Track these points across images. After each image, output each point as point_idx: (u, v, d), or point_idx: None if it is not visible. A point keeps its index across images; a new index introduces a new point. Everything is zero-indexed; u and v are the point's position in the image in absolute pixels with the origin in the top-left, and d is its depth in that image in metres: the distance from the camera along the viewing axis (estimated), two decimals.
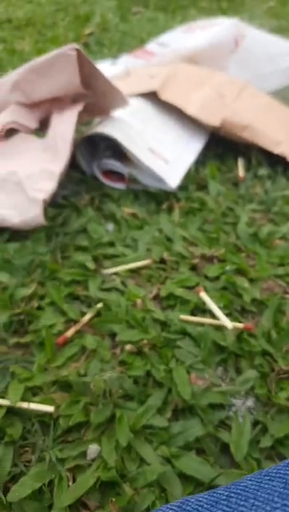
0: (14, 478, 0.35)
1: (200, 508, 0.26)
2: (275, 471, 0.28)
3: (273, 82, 0.90)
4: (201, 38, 0.91)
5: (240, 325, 0.41)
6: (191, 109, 0.72)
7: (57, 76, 0.60)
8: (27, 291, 0.48)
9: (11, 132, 0.63)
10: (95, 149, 0.69)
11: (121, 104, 0.67)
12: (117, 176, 0.67)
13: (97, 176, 0.67)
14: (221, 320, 0.42)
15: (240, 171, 0.71)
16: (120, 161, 0.66)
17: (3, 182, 0.58)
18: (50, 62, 0.60)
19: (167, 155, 0.67)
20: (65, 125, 0.60)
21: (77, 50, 0.57)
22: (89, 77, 0.62)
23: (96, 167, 0.68)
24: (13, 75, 0.64)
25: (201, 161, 0.74)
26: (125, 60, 0.95)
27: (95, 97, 0.67)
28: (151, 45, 0.98)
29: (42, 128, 0.66)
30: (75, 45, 0.57)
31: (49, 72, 0.61)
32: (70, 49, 0.57)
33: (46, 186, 0.56)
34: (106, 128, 0.64)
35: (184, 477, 0.34)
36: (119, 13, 1.49)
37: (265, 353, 0.44)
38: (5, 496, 0.33)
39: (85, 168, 0.68)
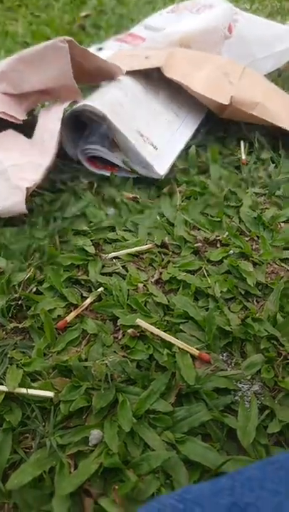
0: (14, 466, 0.34)
1: (202, 498, 0.25)
2: (282, 458, 0.26)
3: (268, 66, 0.88)
4: (194, 21, 0.87)
5: (195, 351, 0.40)
6: (198, 88, 0.68)
7: (47, 68, 0.60)
8: (24, 276, 0.47)
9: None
10: (79, 132, 0.65)
11: (118, 73, 0.66)
12: (102, 162, 0.64)
13: (82, 162, 0.64)
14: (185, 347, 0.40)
15: (243, 155, 0.70)
16: (106, 147, 0.62)
17: None
18: (40, 53, 0.59)
19: (156, 140, 0.64)
20: (51, 120, 0.59)
21: (68, 41, 0.57)
22: (81, 61, 0.62)
23: (80, 153, 0.64)
24: (0, 65, 0.63)
25: (202, 145, 0.72)
26: (111, 45, 0.91)
27: (90, 80, 0.66)
28: (138, 29, 0.93)
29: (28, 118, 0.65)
30: (66, 37, 0.57)
31: (39, 64, 0.60)
32: (61, 41, 0.57)
33: (31, 176, 0.55)
34: (95, 102, 0.60)
35: (190, 463, 0.33)
36: None
37: (271, 338, 0.42)
38: (4, 484, 0.32)
39: (70, 152, 0.65)
